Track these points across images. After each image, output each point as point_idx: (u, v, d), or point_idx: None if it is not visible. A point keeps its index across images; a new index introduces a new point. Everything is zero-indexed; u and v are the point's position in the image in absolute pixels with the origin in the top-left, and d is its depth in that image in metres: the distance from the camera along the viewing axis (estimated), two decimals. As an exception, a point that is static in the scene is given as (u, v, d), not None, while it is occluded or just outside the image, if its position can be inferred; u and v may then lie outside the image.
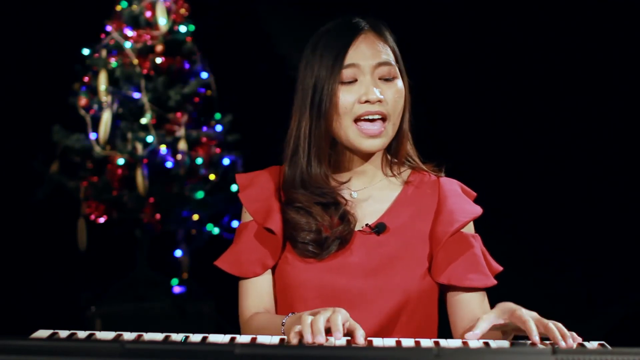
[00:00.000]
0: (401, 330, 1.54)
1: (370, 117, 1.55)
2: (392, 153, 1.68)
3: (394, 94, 1.57)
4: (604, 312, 3.99)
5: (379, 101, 1.54)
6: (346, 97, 1.55)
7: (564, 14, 3.98)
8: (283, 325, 1.40)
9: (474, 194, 1.71)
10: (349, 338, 1.29)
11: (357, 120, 1.56)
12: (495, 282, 1.57)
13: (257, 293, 1.60)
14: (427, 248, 1.59)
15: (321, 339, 1.23)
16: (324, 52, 1.57)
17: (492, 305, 1.44)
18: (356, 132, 1.56)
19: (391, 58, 1.58)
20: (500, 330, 1.40)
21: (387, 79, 1.57)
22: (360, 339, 1.27)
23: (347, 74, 1.55)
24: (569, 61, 4.01)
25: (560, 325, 1.29)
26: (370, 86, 1.55)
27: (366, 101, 1.54)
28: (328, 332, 1.26)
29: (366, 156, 1.63)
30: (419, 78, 1.66)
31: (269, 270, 1.61)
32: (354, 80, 1.56)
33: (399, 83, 1.59)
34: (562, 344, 1.25)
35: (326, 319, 1.26)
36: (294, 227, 1.58)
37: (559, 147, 4.08)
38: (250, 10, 4.53)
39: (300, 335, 1.26)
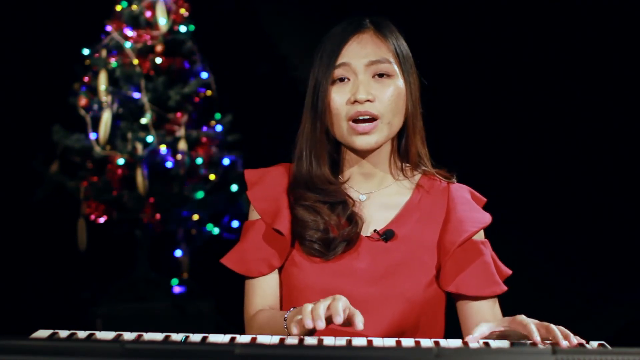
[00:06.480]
0: (406, 338, 1.53)
1: (362, 117, 1.53)
2: (402, 155, 1.64)
3: (388, 93, 1.54)
4: (604, 312, 3.99)
5: (369, 101, 1.52)
6: (337, 97, 1.54)
7: (568, 16, 3.98)
8: (285, 320, 1.39)
9: (484, 199, 1.68)
10: (349, 338, 1.29)
11: (350, 119, 1.54)
12: (505, 288, 1.55)
13: (262, 292, 1.58)
14: (435, 257, 1.57)
15: (321, 324, 1.22)
16: (323, 52, 1.57)
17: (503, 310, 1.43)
18: (349, 130, 1.55)
19: (389, 56, 1.55)
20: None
21: (382, 78, 1.55)
22: (359, 324, 1.26)
23: (338, 73, 1.54)
24: (579, 64, 4.00)
25: (562, 327, 1.29)
26: (359, 86, 1.53)
27: (355, 101, 1.52)
28: (329, 321, 1.26)
29: (372, 158, 1.61)
30: (427, 81, 1.64)
31: (276, 270, 1.59)
32: (346, 80, 1.55)
33: (397, 82, 1.55)
34: (564, 343, 1.25)
35: (326, 306, 1.26)
36: (302, 224, 1.56)
37: (563, 151, 4.08)
38: (250, 10, 4.53)
39: (301, 323, 1.26)
